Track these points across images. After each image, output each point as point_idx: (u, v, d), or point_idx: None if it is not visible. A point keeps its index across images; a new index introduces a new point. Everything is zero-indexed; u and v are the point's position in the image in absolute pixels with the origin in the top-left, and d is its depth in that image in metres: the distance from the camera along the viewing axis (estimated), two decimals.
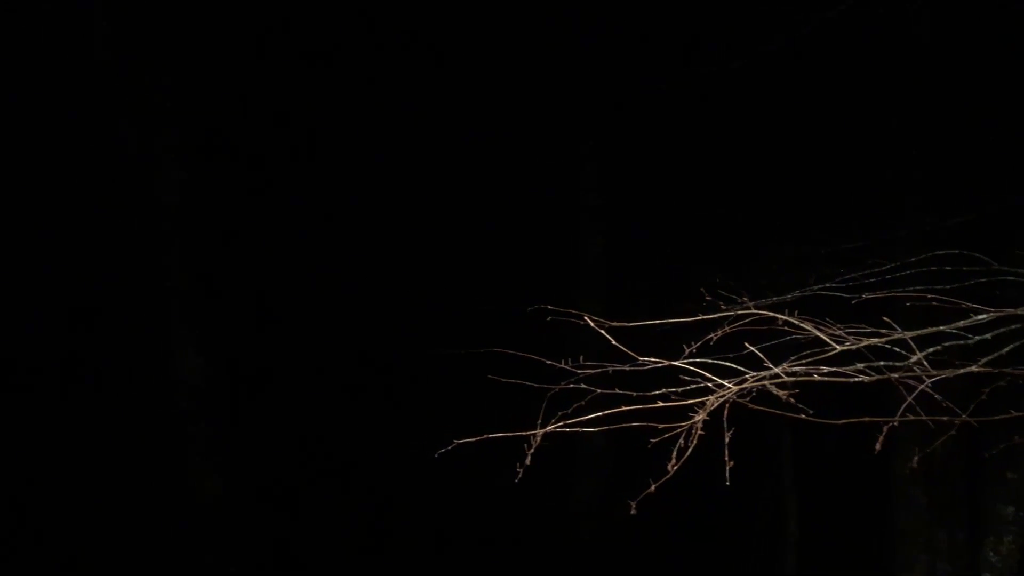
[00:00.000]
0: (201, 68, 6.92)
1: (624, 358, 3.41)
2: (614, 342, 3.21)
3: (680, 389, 3.19)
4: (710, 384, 3.07)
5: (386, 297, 7.96)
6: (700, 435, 3.04)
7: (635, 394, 3.23)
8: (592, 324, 3.22)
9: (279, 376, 7.76)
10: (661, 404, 3.03)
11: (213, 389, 6.86)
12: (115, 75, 6.61)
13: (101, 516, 7.39)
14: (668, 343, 3.51)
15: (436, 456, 3.20)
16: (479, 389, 4.36)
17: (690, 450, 2.86)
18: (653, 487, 2.80)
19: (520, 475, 3.03)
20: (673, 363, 3.16)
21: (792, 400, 2.97)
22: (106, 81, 6.65)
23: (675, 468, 2.82)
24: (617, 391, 3.23)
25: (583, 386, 3.37)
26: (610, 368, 3.44)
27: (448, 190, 7.96)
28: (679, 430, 3.10)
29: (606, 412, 3.04)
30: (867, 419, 3.01)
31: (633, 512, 2.83)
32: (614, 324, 3.32)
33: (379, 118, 7.85)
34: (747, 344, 3.18)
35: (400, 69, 7.84)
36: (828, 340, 3.25)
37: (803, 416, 3.04)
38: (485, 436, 3.07)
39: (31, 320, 7.39)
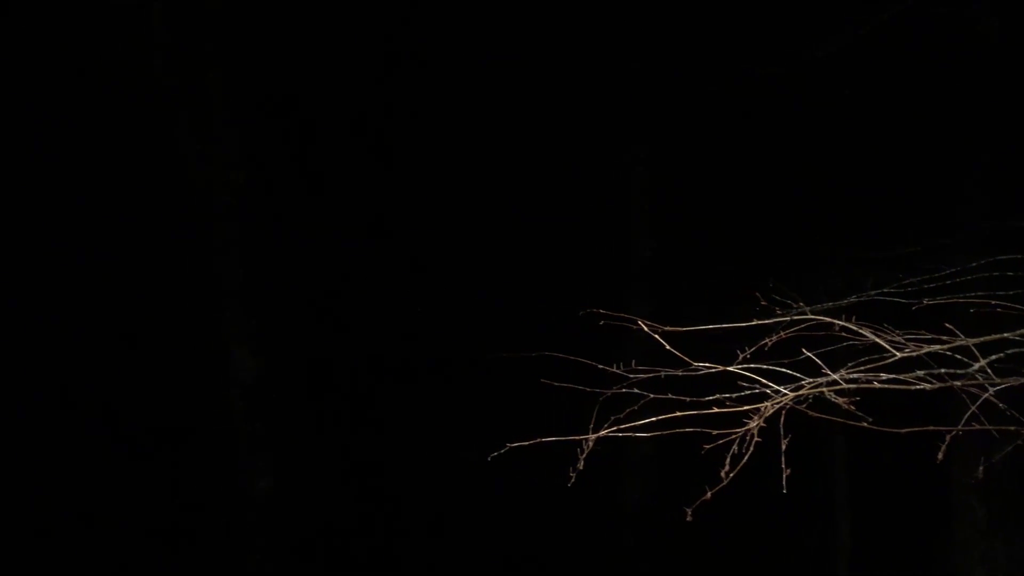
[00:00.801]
0: (259, 71, 7.01)
1: (676, 363, 3.38)
2: (668, 347, 3.18)
3: (734, 395, 3.15)
4: (767, 390, 3.02)
5: (437, 298, 7.99)
6: (756, 442, 3.00)
7: (688, 399, 3.20)
8: (646, 328, 3.19)
9: (331, 376, 7.83)
10: (716, 410, 2.99)
11: (267, 388, 6.95)
12: (173, 78, 6.71)
13: (154, 512, 7.51)
14: (720, 348, 3.47)
15: (488, 459, 3.19)
16: (530, 392, 4.35)
17: (746, 457, 2.82)
18: (709, 494, 2.77)
19: (572, 479, 3.01)
20: (728, 368, 3.12)
21: (852, 407, 2.92)
22: (164, 83, 6.76)
23: (731, 475, 2.79)
24: (670, 396, 3.20)
25: (636, 391, 3.34)
26: (663, 373, 3.41)
27: (498, 191, 7.96)
28: (733, 436, 3.07)
29: (659, 417, 3.01)
30: (931, 428, 2.95)
31: (689, 519, 2.80)
32: (668, 328, 3.29)
33: (429, 118, 7.88)
34: (804, 350, 3.13)
35: (451, 69, 7.86)
36: (887, 346, 3.19)
37: (865, 424, 2.99)
38: (538, 440, 3.06)
39: (89, 317, 7.55)
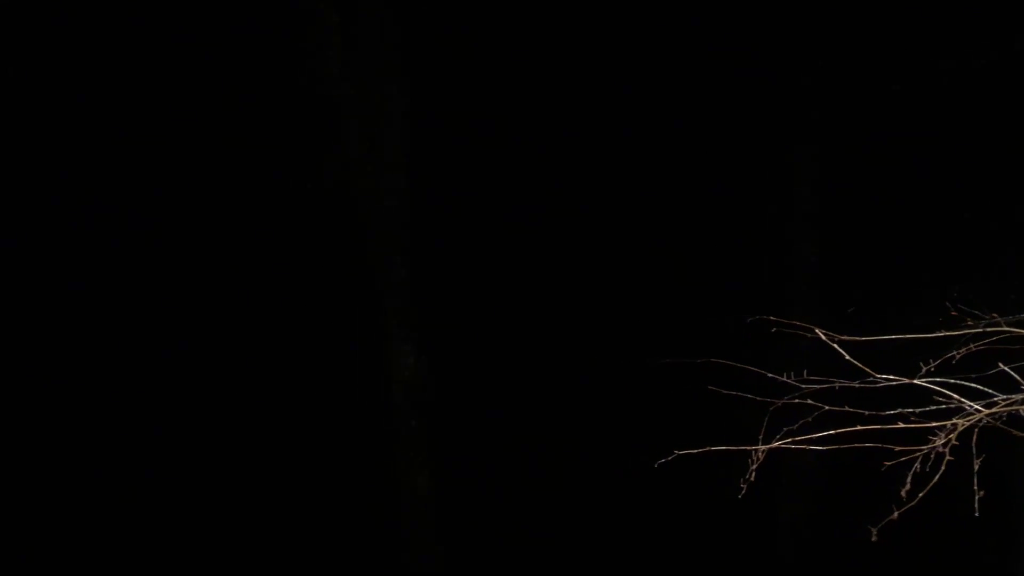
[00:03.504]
0: (428, 77, 7.19)
1: (847, 373, 3.23)
2: (848, 356, 3.03)
3: (918, 410, 2.98)
4: (953, 406, 2.83)
5: (600, 301, 7.95)
6: (942, 460, 2.82)
7: (866, 413, 3.04)
8: (823, 337, 3.06)
9: (491, 375, 7.90)
10: (901, 425, 2.83)
11: (426, 386, 7.10)
12: (346, 85, 6.96)
13: (313, 508, 7.78)
14: (896, 360, 3.29)
15: (656, 466, 3.13)
16: (693, 399, 4.26)
17: (938, 476, 2.66)
18: (896, 514, 2.62)
19: (744, 490, 2.92)
20: (913, 381, 2.95)
21: None
22: (337, 90, 7.01)
23: (920, 495, 2.63)
24: (847, 408, 3.05)
25: (809, 402, 3.21)
26: (837, 384, 3.26)
27: (662, 193, 7.85)
28: (917, 454, 2.90)
29: (839, 431, 2.87)
30: None
31: (874, 539, 2.66)
32: (844, 338, 3.14)
33: (591, 122, 7.85)
34: (1001, 364, 2.92)
35: (612, 72, 7.81)
36: None
37: None
38: (707, 449, 2.98)
39: (255, 316, 7.89)
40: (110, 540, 7.36)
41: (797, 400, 3.25)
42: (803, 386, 3.27)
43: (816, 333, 3.08)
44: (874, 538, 2.70)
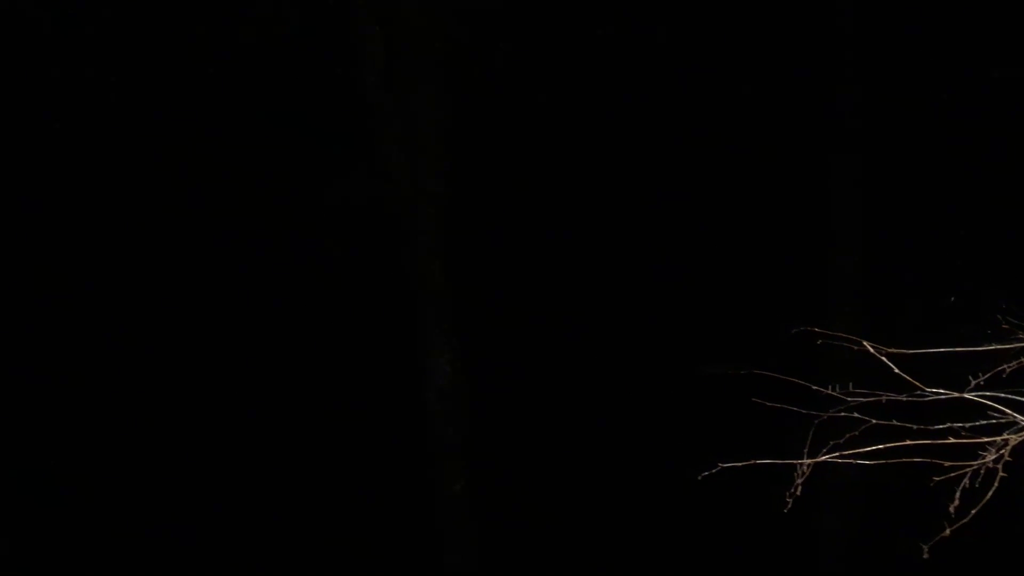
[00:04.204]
0: (462, 85, 7.22)
1: (894, 386, 3.18)
2: (896, 370, 2.98)
3: (968, 424, 2.92)
4: (1016, 421, 2.78)
5: (640, 311, 7.92)
6: (992, 476, 2.76)
7: (916, 427, 2.99)
8: (871, 349, 3.01)
9: (528, 383, 7.91)
10: (952, 440, 2.78)
11: (463, 394, 7.12)
12: (384, 94, 7.01)
13: (353, 512, 7.83)
14: (941, 372, 3.24)
15: (699, 478, 3.10)
16: (732, 410, 4.23)
17: (990, 493, 2.60)
18: (948, 531, 2.57)
19: (789, 504, 2.88)
20: (964, 395, 2.89)
21: None
22: (375, 99, 7.07)
23: (973, 512, 2.58)
24: (895, 423, 3.01)
25: (856, 415, 3.16)
26: (884, 396, 3.21)
27: (702, 205, 7.82)
28: (966, 470, 2.84)
29: (888, 445, 2.83)
30: None
31: (926, 556, 2.61)
32: (891, 350, 3.09)
33: (631, 129, 7.84)
34: None
35: (654, 83, 7.79)
36: None
37: None
38: (752, 462, 2.95)
39: (291, 323, 7.97)
40: (156, 536, 7.51)
41: (843, 413, 3.20)
42: (849, 399, 3.23)
43: (863, 345, 3.04)
44: (926, 555, 2.64)
